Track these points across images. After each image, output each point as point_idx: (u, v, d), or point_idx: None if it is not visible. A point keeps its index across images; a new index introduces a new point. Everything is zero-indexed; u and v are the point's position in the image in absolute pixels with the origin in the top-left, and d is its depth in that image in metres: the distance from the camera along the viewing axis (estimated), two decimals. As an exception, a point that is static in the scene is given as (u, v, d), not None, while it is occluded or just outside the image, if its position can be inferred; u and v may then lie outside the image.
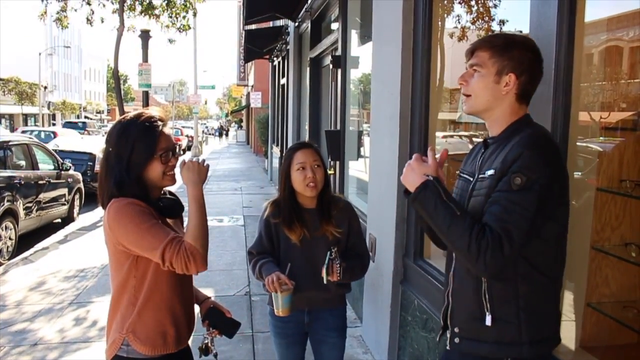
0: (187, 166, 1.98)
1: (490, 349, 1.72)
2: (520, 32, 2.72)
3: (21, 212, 8.10)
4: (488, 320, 1.70)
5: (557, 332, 1.78)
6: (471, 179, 1.83)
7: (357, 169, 6.54)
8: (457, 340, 1.82)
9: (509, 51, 1.71)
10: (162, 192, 2.12)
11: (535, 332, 1.69)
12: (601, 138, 2.49)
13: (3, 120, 45.32)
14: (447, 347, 1.87)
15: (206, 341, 2.19)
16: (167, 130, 2.03)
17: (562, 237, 1.72)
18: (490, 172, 1.68)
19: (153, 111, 2.06)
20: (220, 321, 2.21)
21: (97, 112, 78.45)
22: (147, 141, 1.96)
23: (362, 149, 6.41)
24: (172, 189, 2.15)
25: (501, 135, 1.75)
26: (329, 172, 3.13)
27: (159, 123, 2.00)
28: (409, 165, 1.79)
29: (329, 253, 2.48)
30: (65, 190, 9.93)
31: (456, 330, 1.82)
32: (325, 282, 2.24)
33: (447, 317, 1.89)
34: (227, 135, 48.24)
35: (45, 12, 12.71)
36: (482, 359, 1.76)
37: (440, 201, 1.66)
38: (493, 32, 3.28)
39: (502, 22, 3.20)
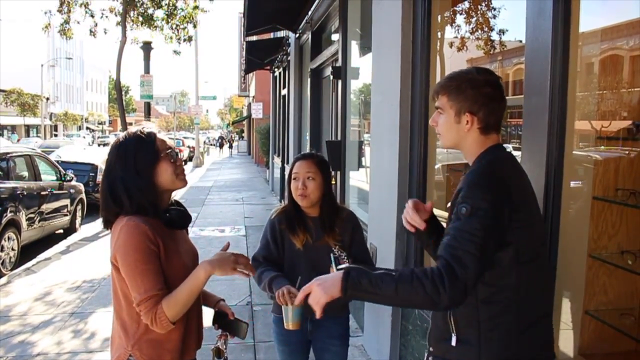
0: (224, 254, 2.00)
1: None
2: (520, 41, 2.76)
3: (24, 223, 8.13)
4: (453, 341, 1.78)
5: (527, 350, 1.75)
6: None
7: (358, 179, 6.57)
8: (430, 358, 1.91)
9: (462, 92, 1.79)
10: (170, 202, 2.14)
11: (494, 355, 1.73)
12: (602, 147, 2.52)
13: (5, 132, 45.49)
14: None
15: (218, 344, 2.22)
16: (162, 135, 2.09)
17: (523, 261, 1.70)
18: (449, 204, 1.78)
19: (144, 124, 2.14)
20: (226, 323, 2.24)
21: (99, 123, 78.75)
22: (146, 147, 2.01)
23: (362, 159, 6.45)
24: (180, 194, 2.18)
25: (470, 168, 1.85)
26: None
27: (151, 131, 2.07)
28: (315, 286, 1.76)
29: (332, 252, 2.52)
30: (67, 201, 9.97)
31: (431, 349, 1.91)
32: None
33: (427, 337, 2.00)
34: (230, 147, 44.65)
35: (49, 25, 12.80)
36: None
37: (372, 276, 1.66)
38: (492, 41, 3.33)
39: (501, 32, 3.25)
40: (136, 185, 1.97)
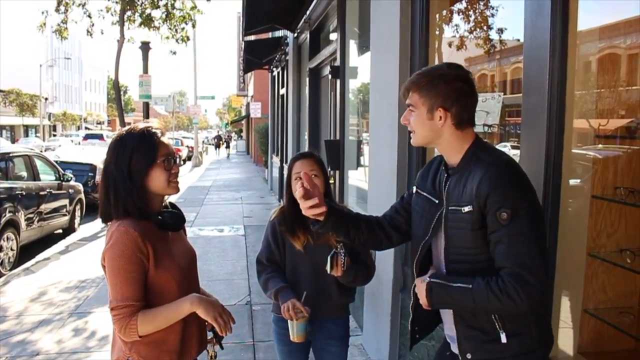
0: (216, 303, 2.02)
1: None
2: (518, 40, 2.75)
3: (23, 223, 8.12)
4: (503, 338, 1.77)
5: (552, 331, 1.90)
6: (435, 201, 1.90)
7: (356, 178, 6.57)
8: None
9: (434, 88, 1.79)
10: (164, 204, 2.13)
11: (544, 337, 1.81)
12: (599, 146, 2.51)
13: (4, 132, 45.45)
14: None
15: (207, 347, 2.22)
16: (166, 139, 2.04)
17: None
18: (468, 208, 1.73)
19: (151, 122, 2.10)
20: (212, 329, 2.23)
21: (98, 123, 78.61)
22: (145, 148, 1.96)
23: (361, 158, 6.44)
24: (179, 193, 2.16)
25: (460, 165, 1.82)
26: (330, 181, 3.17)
27: (157, 132, 2.02)
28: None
29: (336, 247, 2.50)
30: (66, 201, 9.96)
31: (468, 356, 1.86)
32: (330, 272, 2.26)
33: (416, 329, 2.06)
34: (227, 146, 42.24)
35: (45, 24, 12.78)
36: None
37: (452, 290, 1.74)
38: (490, 39, 3.33)
39: (500, 31, 3.25)
40: (125, 188, 1.94)
